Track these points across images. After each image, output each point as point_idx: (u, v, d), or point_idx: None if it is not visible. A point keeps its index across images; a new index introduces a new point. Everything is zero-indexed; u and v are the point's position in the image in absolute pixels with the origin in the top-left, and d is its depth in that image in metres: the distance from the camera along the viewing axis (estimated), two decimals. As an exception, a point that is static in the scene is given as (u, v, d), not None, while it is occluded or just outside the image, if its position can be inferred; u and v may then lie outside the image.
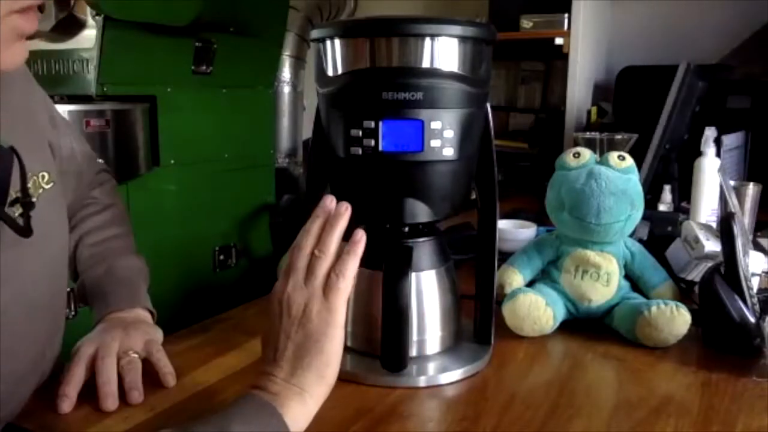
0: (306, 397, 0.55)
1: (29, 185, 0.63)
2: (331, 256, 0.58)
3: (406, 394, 0.71)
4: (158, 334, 0.78)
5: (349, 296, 0.58)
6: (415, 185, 0.72)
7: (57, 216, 0.70)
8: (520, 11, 2.13)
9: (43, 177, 0.66)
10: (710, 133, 1.19)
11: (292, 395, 0.55)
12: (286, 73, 2.53)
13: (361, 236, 0.59)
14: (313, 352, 0.56)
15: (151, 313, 0.81)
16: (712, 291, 0.81)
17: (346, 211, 0.59)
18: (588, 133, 1.38)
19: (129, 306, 0.79)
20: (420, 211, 0.73)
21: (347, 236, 0.59)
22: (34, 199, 0.63)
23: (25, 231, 0.60)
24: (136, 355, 0.71)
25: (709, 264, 0.91)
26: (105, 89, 1.69)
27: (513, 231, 1.24)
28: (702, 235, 0.97)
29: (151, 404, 0.68)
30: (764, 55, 1.99)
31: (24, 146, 0.62)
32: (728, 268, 0.82)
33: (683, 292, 0.94)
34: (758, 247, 1.07)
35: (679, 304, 0.82)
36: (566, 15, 2.05)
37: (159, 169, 1.83)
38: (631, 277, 0.91)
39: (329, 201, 0.60)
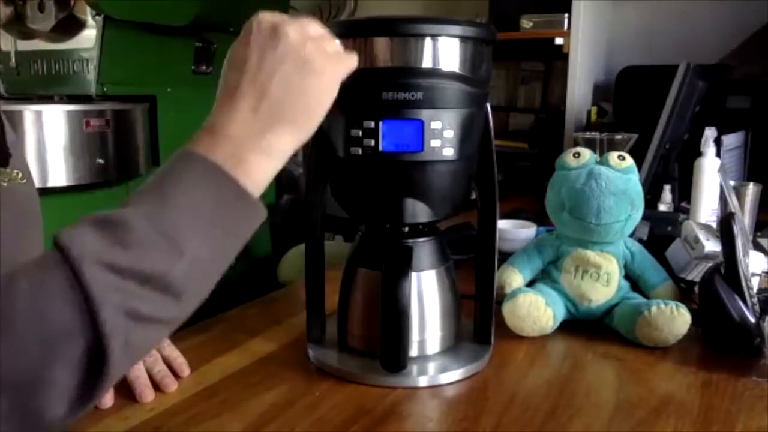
0: (273, 150, 0.51)
1: (4, 175, 0.63)
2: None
3: (406, 394, 0.71)
4: None
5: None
6: (415, 185, 0.72)
7: (31, 205, 0.70)
8: (520, 11, 2.12)
9: (17, 174, 0.67)
10: (710, 133, 1.19)
11: (258, 146, 0.50)
12: (286, 73, 2.53)
13: None
14: (301, 100, 0.52)
15: None
16: (712, 291, 0.81)
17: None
18: (588, 133, 1.38)
19: None
20: (420, 211, 0.73)
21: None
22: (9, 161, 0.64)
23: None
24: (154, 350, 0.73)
25: (709, 264, 0.91)
26: (105, 89, 1.69)
27: (513, 231, 1.24)
28: (702, 235, 0.97)
29: (151, 404, 0.68)
30: (764, 55, 1.99)
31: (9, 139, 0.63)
32: (728, 268, 0.82)
33: (683, 292, 0.93)
34: (758, 247, 1.06)
35: (679, 304, 0.82)
36: (566, 15, 2.04)
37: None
38: (631, 277, 0.91)
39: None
